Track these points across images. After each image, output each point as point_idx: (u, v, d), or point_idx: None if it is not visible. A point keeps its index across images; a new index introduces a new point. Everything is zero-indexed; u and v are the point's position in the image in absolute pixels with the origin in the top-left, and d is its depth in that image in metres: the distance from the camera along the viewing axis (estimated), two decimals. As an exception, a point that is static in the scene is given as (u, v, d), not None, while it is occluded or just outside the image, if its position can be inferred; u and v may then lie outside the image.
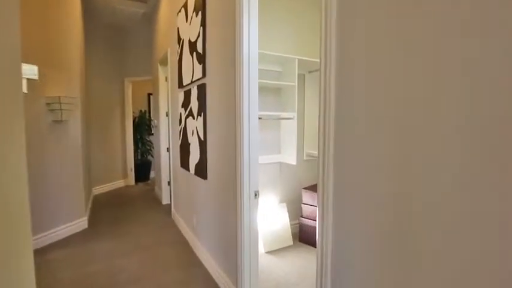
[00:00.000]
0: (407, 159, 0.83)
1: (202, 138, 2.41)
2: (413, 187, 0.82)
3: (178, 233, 3.29)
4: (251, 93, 1.76)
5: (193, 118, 2.62)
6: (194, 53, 2.54)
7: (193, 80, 2.60)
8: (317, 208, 1.18)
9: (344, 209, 1.07)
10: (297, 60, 2.81)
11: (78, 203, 3.34)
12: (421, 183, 0.80)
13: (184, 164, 2.97)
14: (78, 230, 3.32)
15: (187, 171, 2.89)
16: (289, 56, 2.77)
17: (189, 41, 2.67)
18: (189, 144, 2.77)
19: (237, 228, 1.83)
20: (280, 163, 3.13)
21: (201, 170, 2.44)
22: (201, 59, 2.37)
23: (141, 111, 6.51)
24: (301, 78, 3.19)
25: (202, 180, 2.49)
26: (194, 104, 2.59)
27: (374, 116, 0.93)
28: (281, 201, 3.13)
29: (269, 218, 2.88)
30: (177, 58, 3.15)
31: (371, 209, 0.96)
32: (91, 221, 3.66)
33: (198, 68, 2.45)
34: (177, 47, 3.16)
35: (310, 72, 3.18)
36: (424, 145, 0.79)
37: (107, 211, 4.12)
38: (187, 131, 2.86)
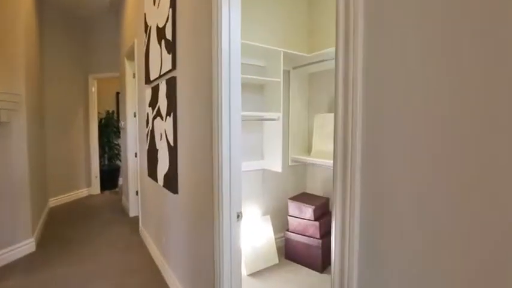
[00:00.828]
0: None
1: (171, 143, 1.98)
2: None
3: (147, 254, 2.80)
4: (233, 90, 1.38)
5: (162, 119, 2.18)
6: (162, 41, 2.11)
7: (161, 73, 2.16)
8: (333, 230, 0.81)
9: (379, 231, 0.70)
10: (282, 53, 2.45)
11: (22, 220, 2.76)
12: None
13: (152, 173, 2.51)
14: (21, 255, 2.73)
15: (156, 182, 2.43)
16: (273, 48, 2.41)
17: (157, 27, 2.23)
18: (157, 150, 2.32)
19: (214, 258, 1.42)
20: (263, 170, 2.75)
21: (171, 182, 2.00)
22: (171, 47, 1.94)
23: (108, 111, 5.89)
24: (286, 74, 2.84)
25: (171, 194, 2.05)
26: (163, 103, 2.15)
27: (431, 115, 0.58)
28: (264, 214, 2.75)
29: (251, 233, 2.49)
30: (144, 49, 2.69)
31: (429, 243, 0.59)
32: (41, 241, 3.08)
33: (167, 58, 2.02)
34: (144, 37, 2.70)
35: (294, 68, 2.83)
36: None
37: (63, 228, 3.54)
38: (154, 135, 2.41)
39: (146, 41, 2.58)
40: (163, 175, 2.17)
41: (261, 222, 2.59)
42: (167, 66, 2.02)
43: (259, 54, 2.56)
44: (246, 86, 2.56)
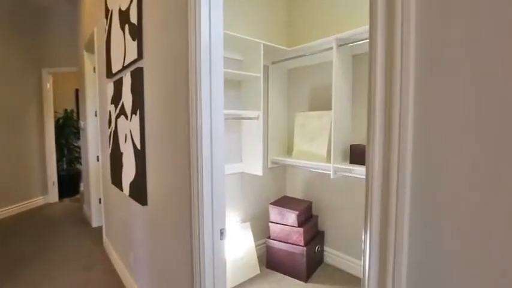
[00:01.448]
0: None
1: (138, 146, 1.68)
2: None
3: (112, 273, 2.43)
4: (215, 86, 1.14)
5: (126, 118, 1.87)
6: (126, 26, 1.80)
7: (125, 64, 1.85)
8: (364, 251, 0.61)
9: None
10: (262, 45, 2.23)
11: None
12: None
13: (116, 180, 2.18)
14: (-46, 280, 2.28)
15: (121, 191, 2.10)
16: (253, 40, 2.18)
17: (120, 10, 1.91)
18: (121, 154, 2.00)
19: (194, 286, 1.17)
20: (242, 173, 2.52)
21: (138, 192, 1.70)
22: (136, 32, 1.65)
23: (66, 110, 5.32)
24: (264, 70, 2.63)
25: (139, 206, 1.75)
26: (127, 99, 1.84)
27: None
28: (244, 220, 2.52)
29: (231, 243, 2.25)
30: (105, 38, 2.34)
31: None
32: (-17, 259, 2.61)
33: (132, 46, 1.72)
34: (105, 24, 2.35)
35: (274, 63, 2.63)
36: None
37: (10, 244, 3.05)
38: (118, 136, 2.08)
39: (107, 27, 2.24)
40: (129, 183, 1.86)
41: (240, 230, 2.35)
42: (132, 55, 1.72)
43: (237, 46, 2.32)
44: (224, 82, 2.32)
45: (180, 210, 1.28)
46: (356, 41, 2.07)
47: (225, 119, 2.29)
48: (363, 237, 0.58)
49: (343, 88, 2.22)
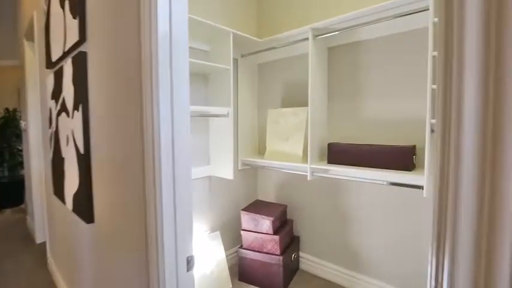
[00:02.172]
0: None
1: (81, 150, 1.35)
2: None
3: (56, 294, 2.04)
4: (177, 80, 0.87)
5: (68, 115, 1.52)
6: (66, 2, 1.45)
7: (66, 49, 1.50)
8: None
9: None
10: (231, 34, 1.98)
11: None
12: None
13: (58, 191, 1.79)
14: None
15: (63, 204, 1.73)
16: (222, 28, 1.92)
17: (56, -15, 1.55)
18: (63, 159, 1.64)
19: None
20: (210, 177, 2.25)
21: (82, 207, 1.36)
22: (78, 7, 1.31)
23: (8, 110, 4.63)
24: (234, 63, 2.38)
25: (84, 223, 1.41)
26: (68, 91, 1.49)
27: None
28: (213, 230, 2.25)
29: (199, 257, 1.96)
30: (44, 21, 1.94)
31: None
32: None
33: (73, 25, 1.38)
34: (43, 5, 1.95)
35: (243, 56, 2.39)
36: None
37: None
38: (59, 138, 1.71)
39: (46, 8, 1.85)
40: (72, 195, 1.50)
41: (209, 241, 2.08)
42: (73, 37, 1.38)
43: (203, 35, 2.05)
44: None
45: (134, 233, 0.99)
46: (333, 31, 1.90)
47: (191, 116, 2.00)
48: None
49: (319, 83, 2.05)
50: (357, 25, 1.79)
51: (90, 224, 1.34)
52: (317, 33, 1.96)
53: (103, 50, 1.18)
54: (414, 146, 1.70)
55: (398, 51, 1.83)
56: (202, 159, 2.19)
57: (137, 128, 0.94)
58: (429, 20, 1.48)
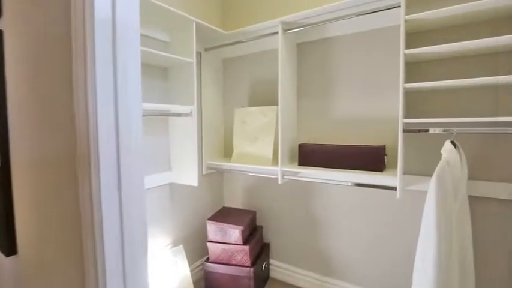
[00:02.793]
0: None
1: (-1, 156, 1.02)
2: None
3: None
4: (123, 67, 0.65)
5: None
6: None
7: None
8: None
9: None
10: (194, 24, 1.75)
11: None
12: None
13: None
14: None
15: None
16: (184, 16, 1.68)
17: None
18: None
19: None
20: (171, 185, 1.99)
21: (0, 234, 1.04)
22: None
23: None
24: (197, 57, 2.13)
25: (3, 257, 1.07)
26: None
27: None
28: (176, 243, 1.99)
29: (159, 275, 1.70)
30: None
31: None
32: None
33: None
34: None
35: (207, 49, 2.16)
36: None
37: None
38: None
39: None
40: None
41: (172, 256, 1.82)
42: (-16, 11, 1.05)
43: (162, 22, 1.78)
44: (143, 67, 1.75)
45: (69, 266, 0.73)
46: (304, 26, 1.78)
47: (146, 115, 1.73)
48: None
49: (289, 80, 1.91)
50: (328, 20, 1.69)
51: (11, 257, 1.02)
52: (287, 27, 1.82)
53: (27, 29, 0.89)
54: (384, 146, 1.64)
55: (369, 49, 1.76)
56: (162, 165, 1.92)
57: (69, 129, 0.69)
58: (401, 17, 1.42)
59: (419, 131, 1.48)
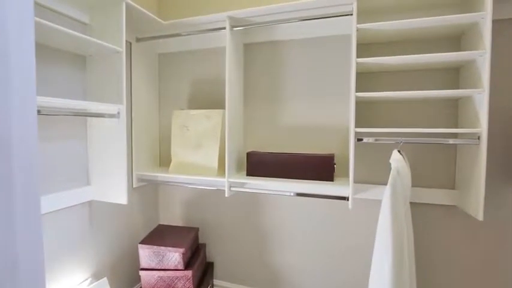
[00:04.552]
0: None
1: None
2: None
3: None
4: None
5: None
6: None
7: None
8: None
9: None
10: (124, 4, 1.38)
11: None
12: None
13: None
14: None
15: None
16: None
17: None
18: None
19: None
20: (91, 203, 1.54)
21: None
22: None
23: None
24: (126, 48, 1.73)
25: None
26: None
27: None
28: (98, 276, 1.55)
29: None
30: None
31: None
32: None
33: None
34: None
35: (139, 40, 1.78)
36: None
37: None
38: None
39: None
40: None
41: (90, 295, 1.40)
42: None
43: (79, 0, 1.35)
44: (53, 53, 1.29)
45: None
46: (253, 24, 1.59)
47: (55, 114, 1.29)
48: None
49: (236, 83, 1.70)
50: (279, 20, 1.55)
51: None
52: (234, 24, 1.60)
53: None
54: (333, 155, 1.57)
55: (319, 56, 1.67)
56: (78, 178, 1.46)
57: None
58: (353, 26, 1.36)
59: (376, 140, 1.43)
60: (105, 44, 1.29)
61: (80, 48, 1.35)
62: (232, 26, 1.59)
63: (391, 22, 1.30)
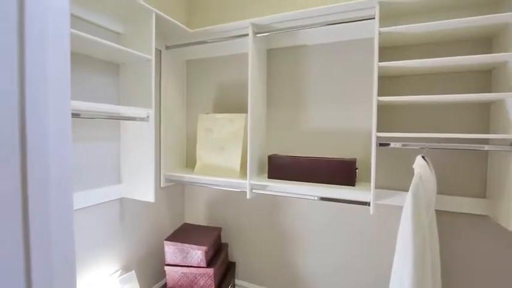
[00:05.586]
0: None
1: None
2: None
3: None
4: (33, 50, 0.37)
5: None
6: None
7: None
8: None
9: None
10: (154, 15, 1.45)
11: None
12: None
13: None
14: None
15: None
16: (142, 4, 1.38)
17: None
18: None
19: None
20: (122, 200, 1.63)
21: None
22: None
23: None
24: (156, 55, 1.82)
25: None
26: None
27: None
28: (127, 269, 1.63)
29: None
30: None
31: None
32: None
33: None
34: None
35: (169, 48, 1.86)
36: None
37: None
38: None
39: None
40: None
41: (121, 285, 1.47)
42: None
43: (114, 9, 1.44)
44: (87, 61, 1.39)
45: None
46: (276, 30, 1.60)
47: (91, 118, 1.38)
48: None
49: (259, 87, 1.71)
50: (302, 26, 1.54)
51: None
52: (257, 30, 1.63)
53: None
54: (355, 160, 1.53)
55: (342, 60, 1.65)
56: (111, 177, 1.56)
57: None
58: (375, 29, 1.32)
59: (403, 145, 1.37)
60: (136, 52, 1.37)
61: (114, 56, 1.44)
62: (255, 33, 1.61)
63: (414, 25, 1.26)
